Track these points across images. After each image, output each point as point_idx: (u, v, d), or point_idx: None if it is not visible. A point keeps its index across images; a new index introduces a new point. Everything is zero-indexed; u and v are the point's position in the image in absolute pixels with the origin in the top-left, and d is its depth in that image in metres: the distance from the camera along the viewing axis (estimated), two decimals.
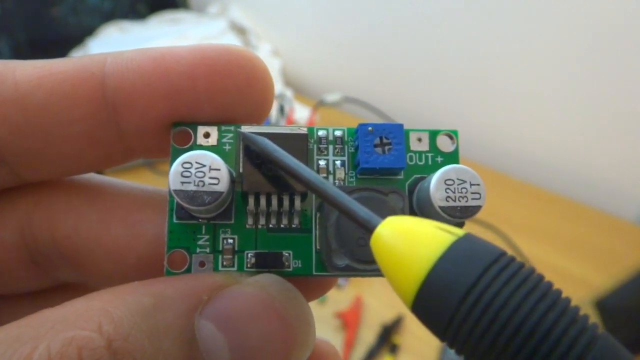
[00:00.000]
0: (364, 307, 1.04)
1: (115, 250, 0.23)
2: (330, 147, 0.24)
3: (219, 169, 0.21)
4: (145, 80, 0.21)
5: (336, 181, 0.24)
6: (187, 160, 0.21)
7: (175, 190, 0.20)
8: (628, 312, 0.97)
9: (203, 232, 0.22)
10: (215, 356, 0.19)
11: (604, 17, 1.05)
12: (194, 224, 0.22)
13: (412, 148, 0.24)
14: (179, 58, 0.22)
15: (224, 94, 0.22)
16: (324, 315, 1.03)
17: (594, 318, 0.98)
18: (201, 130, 0.23)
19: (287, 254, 0.23)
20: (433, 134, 0.24)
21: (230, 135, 0.23)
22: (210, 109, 0.23)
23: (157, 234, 0.23)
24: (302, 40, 1.67)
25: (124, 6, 1.76)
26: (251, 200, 0.22)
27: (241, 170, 0.22)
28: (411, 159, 0.24)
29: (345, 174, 0.24)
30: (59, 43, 1.59)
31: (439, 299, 0.16)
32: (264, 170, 0.22)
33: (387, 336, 0.98)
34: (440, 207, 0.21)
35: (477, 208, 0.22)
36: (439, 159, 0.24)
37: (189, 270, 0.22)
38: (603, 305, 0.99)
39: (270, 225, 0.23)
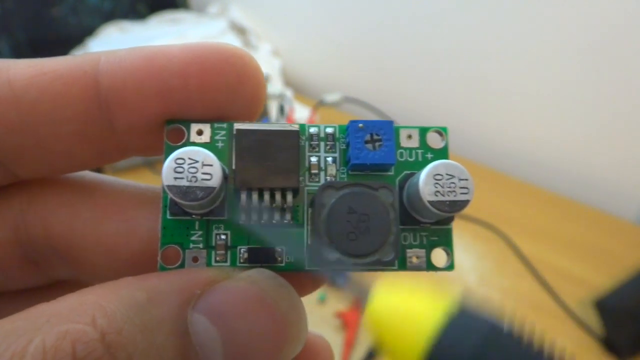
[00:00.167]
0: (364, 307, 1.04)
1: (109, 246, 0.24)
2: (322, 144, 0.24)
3: (211, 165, 0.21)
4: (138, 78, 0.22)
5: (328, 177, 0.24)
6: (180, 156, 0.21)
7: (168, 186, 0.20)
8: (628, 312, 0.97)
9: (196, 228, 0.23)
10: (208, 349, 0.19)
11: (605, 17, 1.05)
12: (187, 220, 0.23)
13: (402, 145, 0.25)
14: (170, 57, 0.22)
15: (216, 91, 0.23)
16: (324, 315, 1.03)
17: (594, 318, 0.98)
18: (194, 127, 0.23)
19: (279, 249, 0.23)
20: (423, 131, 0.25)
21: (223, 132, 0.23)
22: (203, 107, 0.23)
23: (150, 230, 0.23)
24: (302, 40, 1.67)
25: (124, 6, 1.76)
26: (243, 196, 0.22)
27: (233, 167, 0.22)
28: (401, 155, 0.24)
29: (336, 170, 0.24)
30: (59, 43, 1.60)
31: None
32: (256, 167, 0.22)
33: None
34: (429, 202, 0.22)
35: (465, 202, 0.22)
36: (429, 156, 0.25)
37: (182, 266, 0.22)
38: (603, 305, 0.99)
39: (263, 221, 0.23)
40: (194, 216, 0.23)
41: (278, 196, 0.23)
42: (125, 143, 0.23)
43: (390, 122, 0.23)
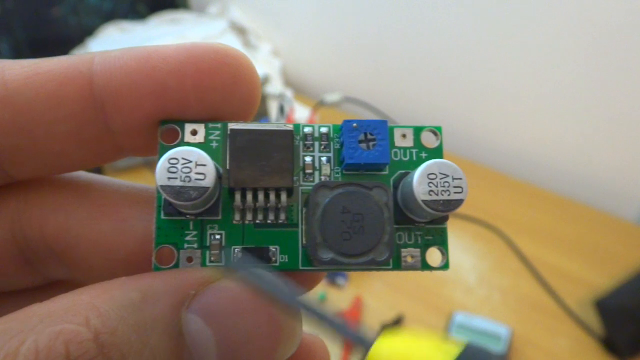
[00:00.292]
0: (364, 307, 1.04)
1: (104, 246, 0.24)
2: (316, 144, 0.24)
3: (205, 165, 0.21)
4: (132, 78, 0.22)
5: (322, 177, 0.24)
6: (174, 156, 0.21)
7: (161, 186, 0.20)
8: (628, 312, 0.97)
9: (191, 228, 0.23)
10: (202, 350, 0.19)
11: (606, 16, 1.05)
12: (181, 220, 0.23)
13: (396, 144, 0.25)
14: (165, 57, 0.22)
15: (211, 91, 0.22)
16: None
17: (594, 318, 0.98)
18: (188, 127, 0.23)
19: (273, 249, 0.23)
20: (417, 130, 0.25)
21: (217, 132, 0.23)
22: (197, 107, 0.23)
23: (145, 231, 0.23)
24: (302, 40, 1.67)
25: (124, 6, 1.76)
26: (238, 196, 0.22)
27: (227, 167, 0.22)
28: (396, 154, 0.24)
29: (330, 170, 0.24)
30: (59, 43, 1.60)
31: None
32: (250, 167, 0.22)
33: None
34: (423, 201, 0.22)
35: (459, 202, 0.22)
36: (423, 155, 0.25)
37: (176, 266, 0.22)
38: (603, 305, 0.99)
39: (257, 221, 0.23)
40: (188, 216, 0.23)
41: (272, 196, 0.22)
42: (120, 143, 0.23)
43: (384, 122, 0.23)
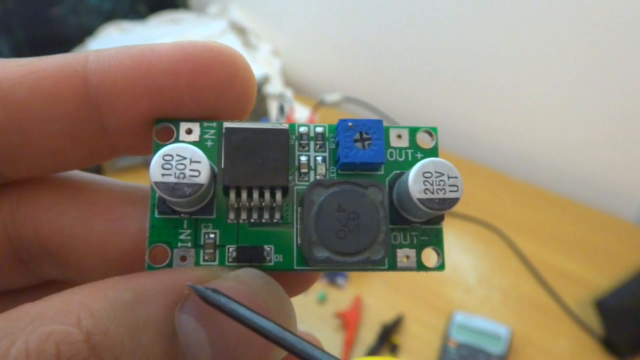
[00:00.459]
0: (364, 307, 1.04)
1: (97, 245, 0.23)
2: (312, 143, 0.24)
3: (199, 162, 0.21)
4: (127, 77, 0.22)
5: (317, 176, 0.24)
6: (168, 152, 0.21)
7: (155, 182, 0.20)
8: (628, 312, 0.97)
9: (185, 226, 0.23)
10: (196, 351, 0.19)
11: (606, 15, 1.05)
12: (175, 218, 0.23)
13: (392, 144, 0.24)
14: (160, 55, 0.22)
15: (206, 90, 0.22)
16: (324, 315, 1.03)
17: (594, 318, 0.98)
18: (183, 126, 0.23)
19: (268, 248, 0.23)
20: (413, 131, 0.25)
21: (213, 131, 0.23)
22: (192, 106, 0.23)
23: (139, 230, 0.23)
24: (302, 40, 1.67)
25: (124, 6, 1.76)
26: (232, 195, 0.22)
27: (222, 165, 0.22)
28: (391, 155, 0.24)
29: (326, 169, 0.24)
30: (59, 43, 1.60)
31: None
32: (245, 165, 0.22)
33: (387, 336, 0.98)
34: (419, 200, 0.21)
35: (454, 200, 0.22)
36: (419, 155, 0.24)
37: (170, 265, 0.22)
38: (603, 305, 0.99)
39: (252, 220, 0.23)
40: (182, 215, 0.22)
41: (267, 195, 0.22)
42: (115, 142, 0.23)
43: (380, 121, 0.23)
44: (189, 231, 0.22)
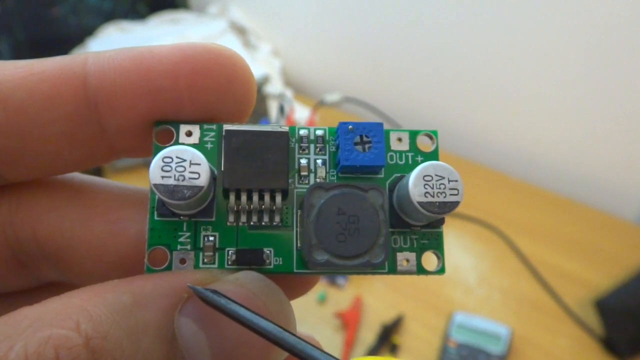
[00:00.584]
0: (364, 307, 1.04)
1: (96, 248, 0.23)
2: (312, 146, 0.24)
3: (199, 164, 0.21)
4: (126, 79, 0.21)
5: (317, 179, 0.24)
6: (168, 154, 0.21)
7: (155, 185, 0.20)
8: (628, 312, 0.97)
9: (184, 229, 0.22)
10: (196, 354, 0.19)
11: (607, 15, 1.05)
12: (175, 221, 0.22)
13: (392, 148, 0.24)
14: (159, 57, 0.22)
15: (205, 92, 0.22)
16: (324, 315, 1.03)
17: (594, 318, 0.98)
18: (183, 128, 0.23)
19: (268, 251, 0.23)
20: (413, 134, 0.25)
21: (212, 133, 0.23)
22: (192, 108, 0.23)
23: (138, 232, 0.23)
24: (302, 40, 1.67)
25: (124, 6, 1.76)
26: (232, 197, 0.22)
27: (222, 168, 0.22)
28: (392, 158, 0.24)
29: (326, 172, 0.24)
30: (59, 43, 1.60)
31: None
32: (245, 168, 0.22)
33: (387, 336, 0.98)
34: (419, 203, 0.21)
35: (455, 204, 0.22)
36: (419, 159, 0.24)
37: (169, 268, 0.22)
38: (603, 305, 0.99)
39: (252, 223, 0.23)
40: (181, 217, 0.22)
41: (267, 198, 0.22)
42: (115, 144, 0.23)
43: (380, 124, 0.23)
44: (188, 234, 0.22)
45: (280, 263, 0.23)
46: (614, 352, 0.94)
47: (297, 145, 0.24)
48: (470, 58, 1.30)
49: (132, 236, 0.23)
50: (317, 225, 0.22)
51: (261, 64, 1.53)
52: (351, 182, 0.23)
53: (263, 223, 0.23)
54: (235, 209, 0.22)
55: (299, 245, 0.23)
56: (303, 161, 0.24)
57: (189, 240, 0.22)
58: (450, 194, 0.22)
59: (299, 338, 0.18)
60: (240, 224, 0.23)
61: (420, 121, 1.45)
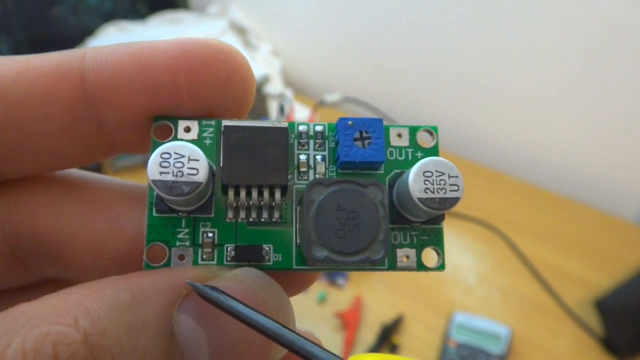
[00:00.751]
0: (364, 307, 1.04)
1: (95, 244, 0.23)
2: (311, 142, 0.24)
3: (197, 160, 0.21)
4: (125, 74, 0.21)
5: (317, 175, 0.23)
6: (166, 150, 0.20)
7: (153, 180, 0.20)
8: (628, 312, 0.97)
9: (183, 225, 0.22)
10: (194, 350, 0.19)
11: (607, 15, 1.05)
12: (173, 217, 0.22)
13: (392, 143, 0.24)
14: (158, 52, 0.22)
15: (204, 87, 0.22)
16: (323, 315, 1.03)
17: (594, 318, 0.98)
18: (182, 124, 0.23)
19: (267, 248, 0.23)
20: (413, 130, 0.25)
21: (211, 129, 0.23)
22: (191, 103, 0.23)
23: (137, 228, 0.23)
24: (302, 40, 1.67)
25: (124, 6, 1.76)
26: (231, 193, 0.22)
27: (221, 164, 0.22)
28: (391, 154, 0.24)
29: (325, 168, 0.24)
30: (59, 43, 1.60)
31: None
32: (244, 164, 0.22)
33: (387, 336, 0.98)
34: (419, 199, 0.21)
35: (455, 200, 0.21)
36: (419, 154, 0.24)
37: (168, 264, 0.22)
38: (603, 305, 0.99)
39: (251, 219, 0.23)
40: (180, 214, 0.22)
41: (266, 193, 0.22)
42: (113, 140, 0.23)
43: (380, 120, 0.23)
44: (187, 230, 0.22)
45: (280, 259, 0.23)
46: (614, 352, 0.94)
47: (296, 141, 0.24)
48: (470, 58, 1.30)
49: (131, 232, 0.23)
50: (317, 222, 0.22)
51: (261, 64, 1.53)
52: (351, 178, 0.23)
53: (262, 219, 0.23)
54: (234, 205, 0.22)
55: (298, 241, 0.23)
56: (302, 157, 0.23)
57: (187, 236, 0.22)
58: (451, 190, 0.22)
59: (298, 334, 0.18)
60: (239, 220, 0.23)
61: (420, 121, 1.45)
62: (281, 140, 0.22)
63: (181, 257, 0.22)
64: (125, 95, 0.22)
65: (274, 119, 1.34)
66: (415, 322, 1.02)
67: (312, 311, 1.04)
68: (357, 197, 0.22)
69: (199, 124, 0.23)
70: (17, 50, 1.52)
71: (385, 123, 0.24)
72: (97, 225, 0.23)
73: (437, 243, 0.24)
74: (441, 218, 0.24)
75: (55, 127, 0.22)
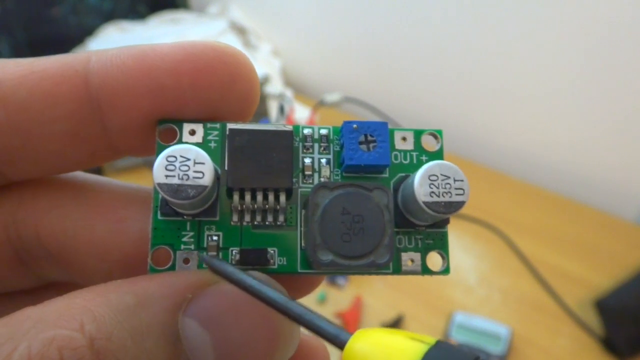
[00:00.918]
0: (364, 307, 1.04)
1: (99, 247, 0.23)
2: (316, 145, 0.24)
3: (203, 163, 0.20)
4: (129, 77, 0.21)
5: (322, 179, 0.23)
6: (172, 154, 0.20)
7: (159, 184, 0.20)
8: (628, 312, 0.97)
9: (188, 228, 0.22)
10: (200, 354, 0.19)
11: (607, 15, 1.05)
12: (178, 220, 0.22)
13: (397, 147, 0.24)
14: (162, 55, 0.21)
15: (208, 90, 0.22)
16: (324, 315, 1.03)
17: (594, 318, 0.98)
18: (186, 127, 0.23)
19: (272, 251, 0.23)
20: (417, 133, 0.25)
21: (216, 132, 0.23)
22: (195, 106, 0.23)
23: (141, 231, 0.23)
24: (302, 40, 1.67)
25: (124, 6, 1.76)
26: (236, 197, 0.22)
27: (226, 167, 0.22)
28: (396, 157, 0.24)
29: (330, 171, 0.24)
30: (59, 43, 1.60)
31: None
32: (249, 167, 0.22)
33: None
34: (424, 203, 0.21)
35: (461, 204, 0.21)
36: (424, 158, 0.24)
37: (173, 267, 0.22)
38: (603, 305, 0.99)
39: (256, 222, 0.23)
40: (185, 217, 0.22)
41: (271, 197, 0.22)
42: (118, 143, 0.23)
43: (385, 124, 0.23)
44: (192, 233, 0.22)
45: (285, 263, 0.23)
46: (614, 352, 0.94)
47: (301, 144, 0.24)
48: (470, 58, 1.30)
49: (135, 235, 0.23)
50: (322, 225, 0.22)
51: (261, 64, 1.53)
52: (356, 181, 0.23)
53: (267, 222, 0.23)
54: (239, 208, 0.22)
55: (303, 245, 0.23)
56: (307, 160, 0.23)
57: (192, 239, 0.22)
58: (456, 194, 0.21)
59: (305, 308, 0.18)
60: (244, 223, 0.23)
61: (420, 121, 1.45)
62: (286, 144, 0.22)
63: (186, 261, 0.22)
64: (129, 98, 0.22)
65: (274, 119, 1.34)
66: (415, 322, 1.01)
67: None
68: (362, 200, 0.22)
69: (204, 127, 0.23)
70: (17, 50, 1.52)
71: (386, 124, 0.24)
72: (101, 228, 0.23)
73: (442, 247, 0.24)
74: (446, 222, 0.24)
75: (59, 130, 0.22)
